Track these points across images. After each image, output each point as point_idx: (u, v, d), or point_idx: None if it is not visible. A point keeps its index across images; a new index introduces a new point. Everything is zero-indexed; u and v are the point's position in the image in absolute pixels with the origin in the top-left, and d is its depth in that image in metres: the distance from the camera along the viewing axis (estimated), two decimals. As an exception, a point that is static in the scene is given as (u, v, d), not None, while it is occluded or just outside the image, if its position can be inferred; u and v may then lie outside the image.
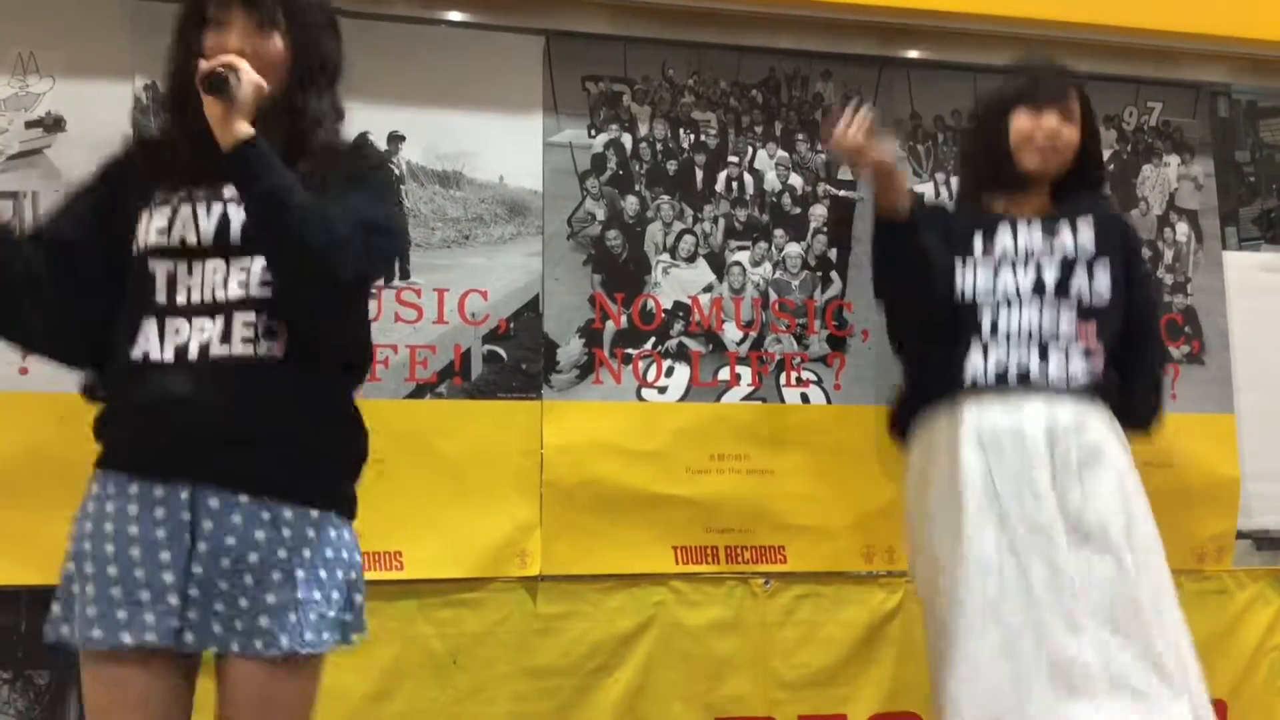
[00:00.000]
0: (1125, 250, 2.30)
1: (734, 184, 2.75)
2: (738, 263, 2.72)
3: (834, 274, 2.78)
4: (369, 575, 2.39)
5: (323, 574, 1.59)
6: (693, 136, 2.74)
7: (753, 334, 2.71)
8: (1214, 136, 3.07)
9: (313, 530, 1.59)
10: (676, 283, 2.68)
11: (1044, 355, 2.20)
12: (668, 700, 2.55)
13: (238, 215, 1.59)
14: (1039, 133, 2.27)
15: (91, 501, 1.59)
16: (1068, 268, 2.24)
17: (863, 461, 2.71)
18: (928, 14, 2.77)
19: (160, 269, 1.59)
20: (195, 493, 1.54)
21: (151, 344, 1.57)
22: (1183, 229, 3.00)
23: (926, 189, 2.86)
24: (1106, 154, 2.98)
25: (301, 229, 1.51)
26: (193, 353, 1.57)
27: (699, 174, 2.73)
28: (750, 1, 2.70)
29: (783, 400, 2.71)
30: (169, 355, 1.57)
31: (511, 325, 2.57)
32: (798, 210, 2.78)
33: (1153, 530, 2.16)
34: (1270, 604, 2.91)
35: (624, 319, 2.64)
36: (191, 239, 1.59)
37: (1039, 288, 2.23)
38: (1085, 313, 2.23)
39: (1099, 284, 2.24)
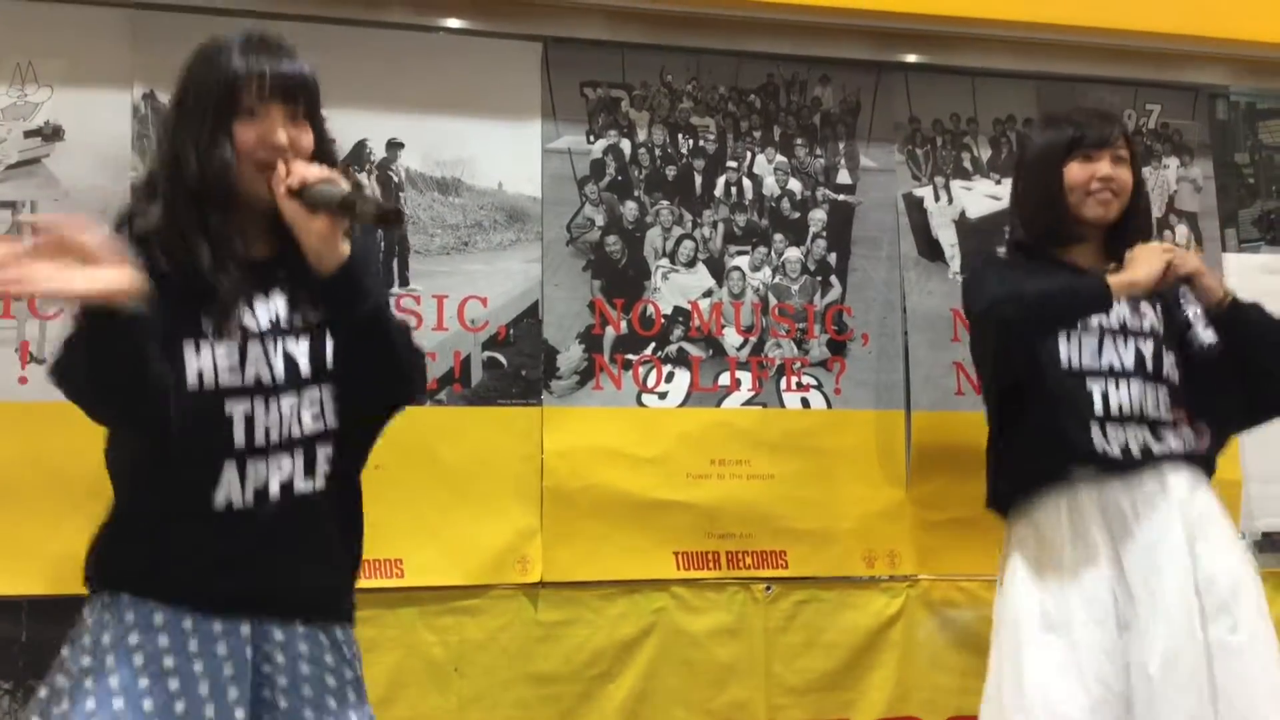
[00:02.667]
0: (1180, 323, 2.30)
1: (733, 189, 2.75)
2: (737, 268, 2.72)
3: (834, 278, 2.77)
4: (370, 583, 2.40)
5: (364, 685, 1.64)
6: (691, 142, 2.74)
7: (753, 339, 2.71)
8: (1213, 138, 3.07)
9: (350, 647, 1.62)
10: (676, 288, 2.68)
11: (1155, 433, 2.18)
12: (670, 706, 2.54)
13: (299, 349, 1.56)
14: (1095, 181, 2.25)
15: (134, 633, 1.49)
16: (1158, 347, 2.22)
17: (864, 466, 2.71)
18: (925, 18, 2.77)
19: (237, 410, 1.52)
20: (255, 627, 1.53)
21: (234, 491, 1.52)
22: (1182, 231, 3.00)
23: (925, 193, 2.86)
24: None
25: (400, 349, 1.55)
26: (274, 493, 1.54)
27: (698, 179, 2.73)
28: (748, 6, 2.70)
29: (783, 405, 2.70)
30: (250, 499, 1.53)
31: (511, 331, 2.57)
32: (797, 215, 2.78)
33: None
34: (1274, 605, 2.89)
35: (624, 324, 2.64)
36: (266, 377, 1.54)
37: (1140, 364, 2.20)
38: (1174, 392, 2.22)
39: (1176, 363, 2.24)
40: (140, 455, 1.54)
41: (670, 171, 2.72)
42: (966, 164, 2.90)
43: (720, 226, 2.73)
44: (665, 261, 2.68)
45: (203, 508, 1.51)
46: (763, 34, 2.76)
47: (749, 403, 2.68)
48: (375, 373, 1.56)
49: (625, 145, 2.69)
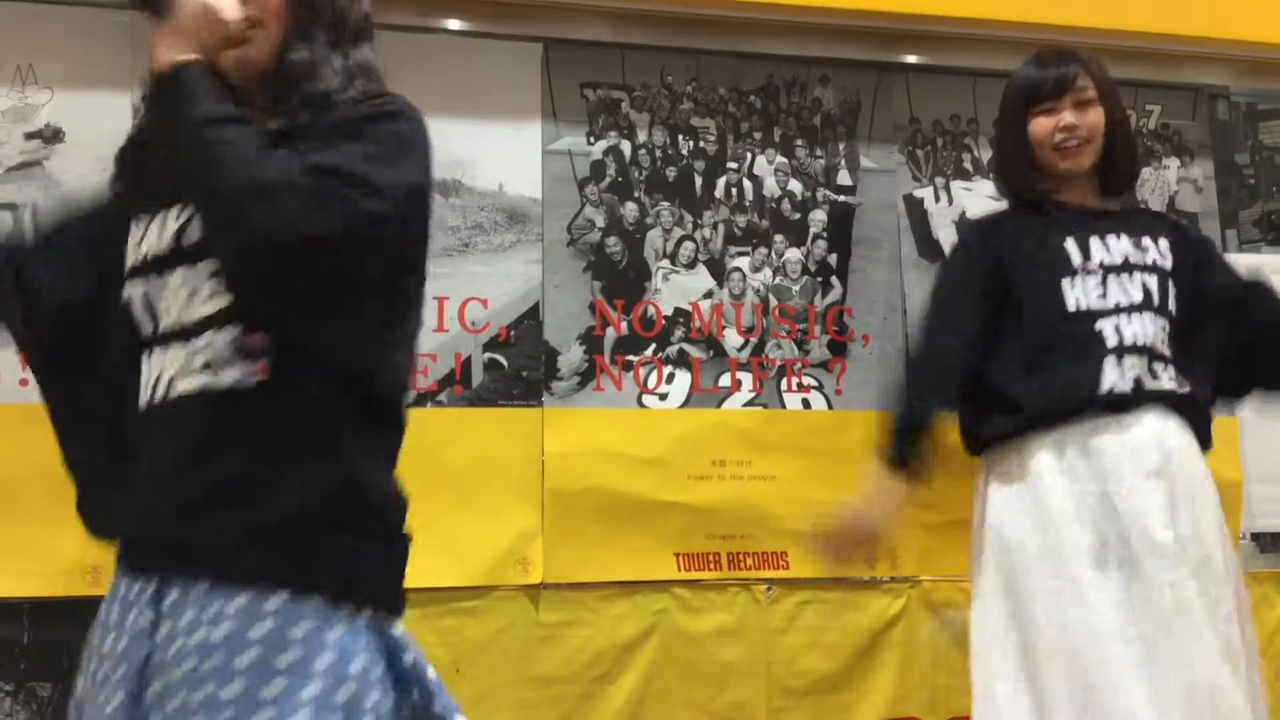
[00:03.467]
0: (1195, 264, 2.18)
1: (733, 190, 2.75)
2: (738, 268, 2.72)
3: (834, 279, 2.77)
4: (371, 584, 2.40)
5: (306, 690, 1.14)
6: (692, 143, 2.74)
7: (753, 340, 2.71)
8: (1213, 139, 3.07)
9: (298, 628, 1.16)
10: (677, 289, 2.68)
11: (1152, 368, 2.08)
12: (671, 707, 2.54)
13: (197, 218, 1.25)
14: (1058, 132, 2.14)
15: (101, 606, 1.27)
16: (1163, 280, 2.13)
17: (865, 467, 2.71)
18: (926, 19, 2.78)
19: (135, 294, 1.28)
20: (160, 585, 1.18)
21: (144, 392, 1.25)
22: (1183, 231, 3.00)
23: (926, 194, 2.86)
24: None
25: (216, 166, 1.14)
26: (158, 394, 1.23)
27: (698, 180, 2.73)
28: (749, 8, 2.70)
29: (784, 406, 2.70)
30: (145, 396, 1.25)
31: (512, 333, 2.57)
32: (797, 216, 2.78)
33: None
34: (1275, 607, 2.90)
35: (624, 326, 2.64)
36: (152, 248, 1.26)
37: (1148, 298, 2.11)
38: (1175, 327, 2.12)
39: (1181, 300, 2.13)
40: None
41: (670, 173, 2.72)
42: (967, 165, 2.90)
43: (721, 227, 2.73)
44: (666, 263, 2.69)
45: (125, 412, 1.28)
46: (763, 35, 2.76)
47: (750, 404, 2.68)
48: (196, 206, 1.21)
49: (625, 146, 2.69)
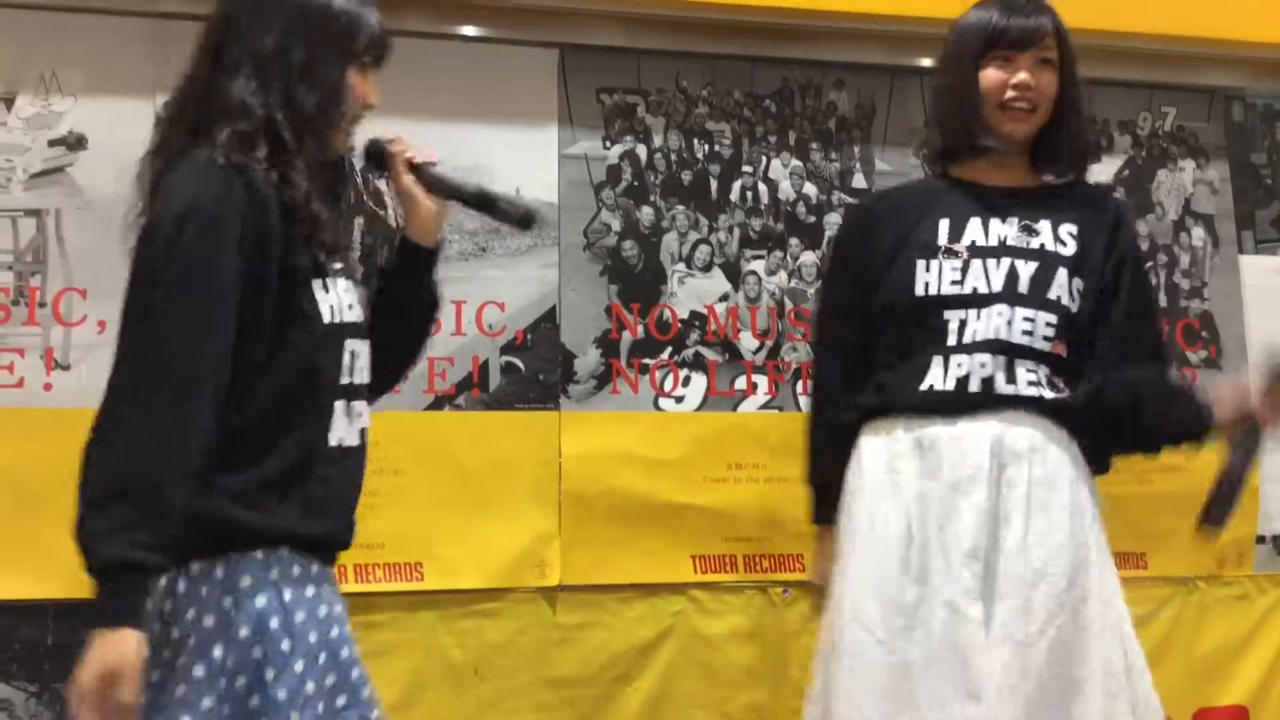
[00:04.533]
0: (1110, 264, 1.92)
1: (748, 193, 2.76)
2: (753, 272, 2.73)
3: (849, 282, 2.78)
4: (390, 586, 2.42)
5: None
6: (707, 147, 2.75)
7: (769, 343, 2.72)
8: (1229, 140, 3.07)
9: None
10: (692, 292, 2.69)
11: (1010, 368, 1.85)
12: (687, 709, 2.55)
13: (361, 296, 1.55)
14: (1010, 89, 1.89)
15: (290, 588, 1.43)
16: (1046, 268, 1.88)
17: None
18: (939, 22, 2.76)
19: (349, 349, 1.51)
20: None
21: (342, 429, 1.49)
22: (1198, 233, 2.99)
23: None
24: (1120, 160, 2.98)
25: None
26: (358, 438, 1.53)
27: (713, 184, 2.74)
28: (763, 12, 2.71)
29: (799, 409, 2.70)
30: (355, 440, 1.52)
31: (529, 336, 2.58)
32: (812, 219, 2.79)
33: (1103, 580, 1.84)
34: (1291, 612, 2.89)
35: (640, 329, 2.65)
36: (353, 317, 1.52)
37: (1011, 286, 1.87)
38: (1067, 320, 1.87)
39: (1079, 290, 1.89)
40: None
41: (686, 176, 2.73)
42: (982, 167, 2.90)
43: (736, 231, 2.74)
44: (681, 266, 2.70)
45: (318, 446, 1.48)
46: (777, 39, 2.77)
47: (765, 406, 2.69)
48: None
49: (641, 151, 2.71)
